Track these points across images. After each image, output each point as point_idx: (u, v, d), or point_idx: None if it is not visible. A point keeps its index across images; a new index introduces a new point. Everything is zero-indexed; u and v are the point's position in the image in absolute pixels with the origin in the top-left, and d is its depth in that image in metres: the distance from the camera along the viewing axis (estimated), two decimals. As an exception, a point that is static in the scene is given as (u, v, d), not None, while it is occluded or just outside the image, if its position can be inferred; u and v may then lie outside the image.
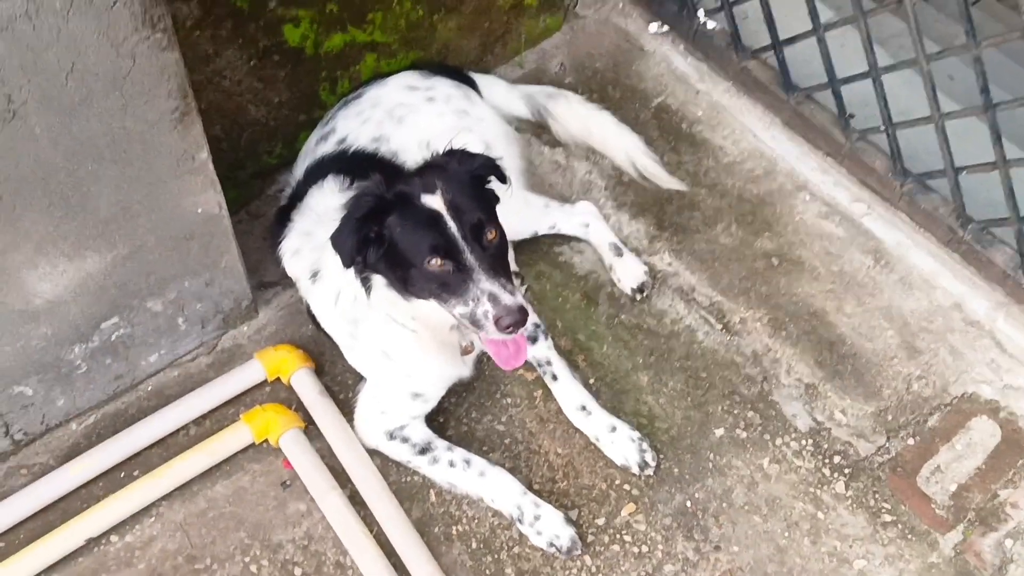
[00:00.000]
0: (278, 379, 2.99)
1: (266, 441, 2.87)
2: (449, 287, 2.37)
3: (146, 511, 2.77)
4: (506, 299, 2.33)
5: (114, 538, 2.73)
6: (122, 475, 2.84)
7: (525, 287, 3.23)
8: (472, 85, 3.43)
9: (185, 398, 2.93)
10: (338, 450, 2.85)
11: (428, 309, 2.46)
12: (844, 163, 3.41)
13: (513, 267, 3.24)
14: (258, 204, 3.37)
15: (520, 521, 2.74)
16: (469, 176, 2.45)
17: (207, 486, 2.83)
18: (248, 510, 2.80)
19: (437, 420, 2.95)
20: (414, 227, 2.35)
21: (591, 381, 3.04)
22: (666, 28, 3.82)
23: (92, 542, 2.70)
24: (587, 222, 3.32)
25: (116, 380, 2.91)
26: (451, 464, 2.79)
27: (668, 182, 3.44)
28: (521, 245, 3.28)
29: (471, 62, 3.62)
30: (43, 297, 2.51)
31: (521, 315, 2.34)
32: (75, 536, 2.67)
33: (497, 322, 2.33)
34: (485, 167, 2.50)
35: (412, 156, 3.05)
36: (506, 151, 3.23)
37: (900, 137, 3.16)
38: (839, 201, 3.41)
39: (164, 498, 2.79)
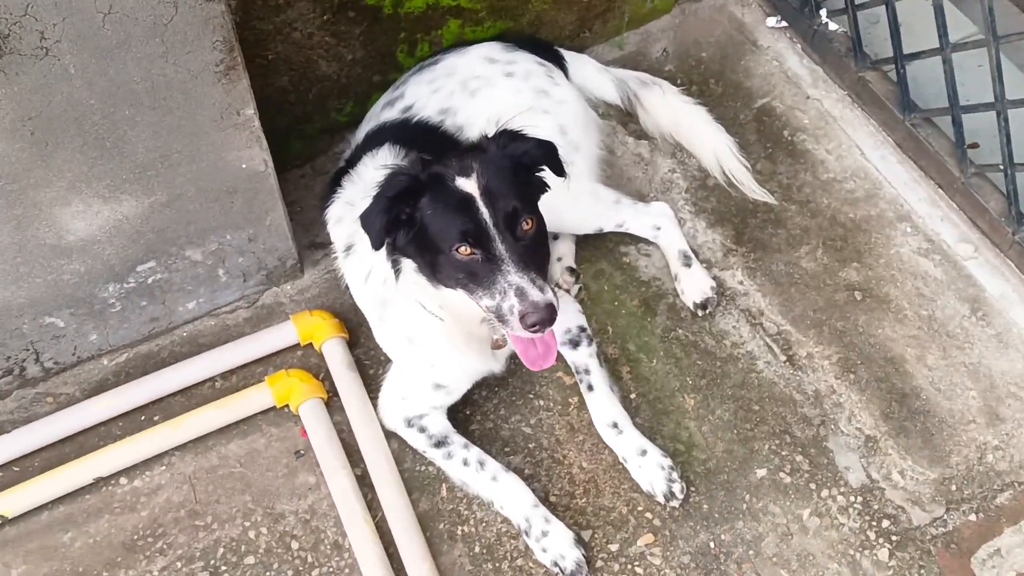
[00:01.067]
0: (311, 344, 2.95)
1: (287, 406, 2.84)
2: (477, 277, 2.26)
3: (158, 459, 2.79)
4: (534, 295, 2.21)
5: (123, 480, 2.77)
6: (142, 418, 2.86)
7: (579, 286, 3.08)
8: (560, 63, 3.27)
9: (216, 350, 2.93)
10: (356, 428, 2.79)
11: (457, 299, 2.36)
12: (956, 198, 3.10)
13: (571, 263, 3.10)
14: (324, 160, 3.32)
15: (527, 534, 2.63)
16: (511, 161, 2.32)
17: (222, 442, 2.83)
18: (257, 474, 2.78)
19: (463, 412, 2.86)
20: (444, 210, 2.24)
21: (632, 396, 2.88)
22: (784, 23, 3.55)
23: (101, 481, 2.74)
24: (659, 224, 3.13)
25: (151, 322, 2.93)
26: (465, 463, 2.69)
27: (756, 192, 3.21)
28: (585, 240, 3.14)
29: (565, 37, 3.45)
30: (76, 235, 2.52)
31: (548, 313, 2.21)
32: (85, 473, 2.71)
33: (523, 319, 2.21)
34: (531, 155, 2.36)
35: (478, 132, 2.93)
36: (583, 138, 3.08)
37: (1021, 179, 2.83)
38: (944, 239, 3.11)
39: (177, 448, 2.80)
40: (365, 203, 2.38)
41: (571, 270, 3.08)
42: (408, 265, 2.40)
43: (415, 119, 2.90)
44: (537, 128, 2.94)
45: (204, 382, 2.92)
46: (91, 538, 2.68)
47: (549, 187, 2.45)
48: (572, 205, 3.01)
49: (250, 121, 2.50)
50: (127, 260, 2.68)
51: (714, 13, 3.66)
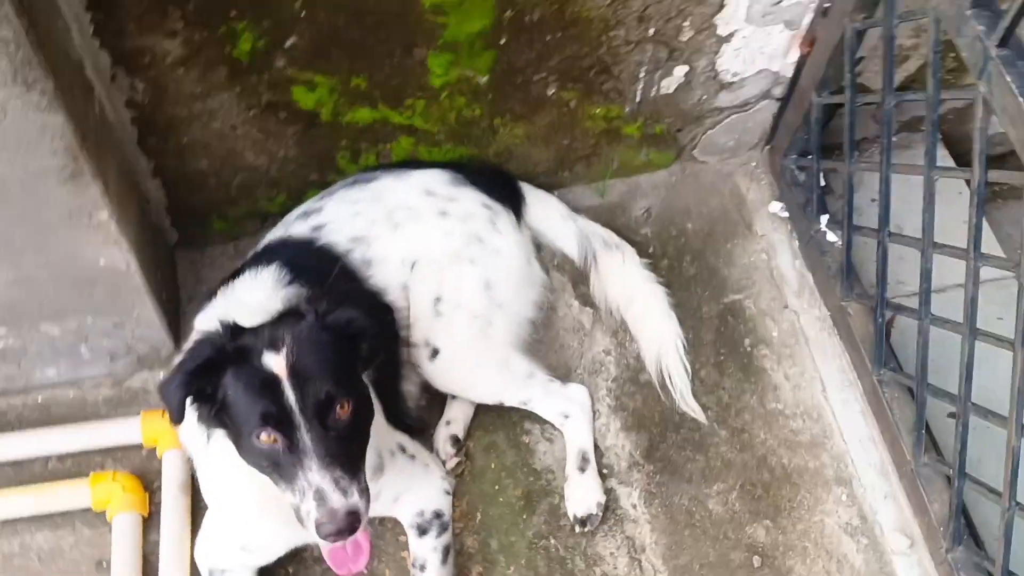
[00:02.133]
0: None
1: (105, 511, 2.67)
2: (279, 468, 2.04)
3: (-44, 534, 2.66)
4: (333, 500, 1.98)
5: (-82, 544, 2.64)
6: (-39, 482, 2.73)
7: (460, 460, 2.81)
8: (516, 202, 3.00)
9: (57, 429, 2.78)
10: (165, 557, 2.60)
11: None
12: (903, 481, 2.71)
13: (459, 432, 2.84)
14: (250, 243, 3.10)
15: None
16: (331, 333, 2.08)
17: (31, 529, 2.68)
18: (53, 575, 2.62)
19: (287, 569, 2.64)
20: (246, 390, 2.02)
21: (470, 603, 2.61)
22: (787, 214, 3.18)
23: None
24: (569, 413, 2.84)
25: (5, 379, 2.80)
26: (256, 636, 2.48)
27: (688, 404, 2.89)
28: (489, 406, 2.86)
29: (541, 173, 3.16)
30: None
31: (348, 523, 2.00)
32: None
33: (319, 528, 2.00)
34: (357, 325, 2.13)
35: (390, 272, 2.72)
36: (511, 297, 2.84)
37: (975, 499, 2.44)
38: (879, 520, 2.73)
39: (-15, 524, 2.66)
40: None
41: (456, 440, 2.82)
42: (219, 432, 2.19)
43: (320, 242, 2.68)
44: (459, 280, 2.75)
45: (38, 459, 2.77)
46: None
47: (381, 355, 2.22)
48: (475, 369, 2.78)
49: (105, 225, 2.32)
50: (-27, 322, 2.54)
51: (717, 180, 3.31)
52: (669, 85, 3.01)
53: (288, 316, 2.14)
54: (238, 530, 2.46)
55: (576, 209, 3.15)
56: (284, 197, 3.00)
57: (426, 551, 2.59)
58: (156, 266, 2.70)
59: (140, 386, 2.90)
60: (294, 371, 2.00)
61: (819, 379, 2.94)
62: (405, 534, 2.63)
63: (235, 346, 2.04)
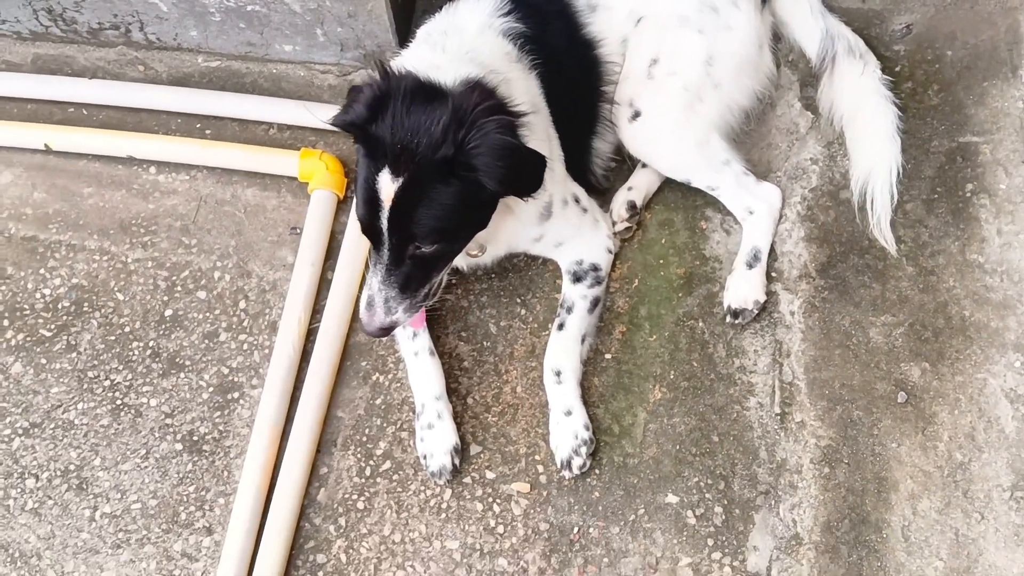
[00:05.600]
0: (364, 138, 3.07)
1: (308, 184, 3.03)
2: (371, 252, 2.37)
3: (188, 167, 3.11)
4: (377, 314, 2.34)
5: (152, 170, 3.12)
6: (198, 125, 3.17)
7: (632, 227, 2.93)
8: (770, -18, 2.95)
9: (286, 100, 3.13)
10: (348, 236, 2.94)
11: None
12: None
13: (638, 199, 2.95)
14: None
15: (418, 418, 2.73)
16: (459, 177, 2.19)
17: (243, 183, 3.09)
18: (253, 227, 3.03)
19: (450, 278, 2.91)
20: (361, 186, 2.25)
21: (607, 356, 2.82)
22: (1065, 62, 2.96)
23: (134, 160, 3.10)
24: (754, 209, 2.89)
25: (247, 45, 3.15)
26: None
27: (882, 232, 2.85)
28: (676, 183, 2.95)
29: (801, -42, 3.06)
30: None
31: (378, 333, 2.39)
32: (126, 146, 3.08)
33: (359, 320, 2.39)
34: (482, 183, 2.19)
35: (613, 22, 2.81)
36: (730, 80, 2.87)
37: None
38: (1047, 397, 2.66)
39: (208, 167, 3.09)
40: (450, 41, 2.47)
41: (632, 207, 2.93)
42: None
43: (549, -26, 2.77)
44: (675, 55, 2.77)
45: (263, 123, 3.15)
46: (103, 202, 3.09)
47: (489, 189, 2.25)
48: (672, 140, 2.86)
49: None
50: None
51: (996, 13, 3.10)
52: None
53: (431, 123, 2.15)
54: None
55: (830, 7, 3.06)
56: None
57: (576, 296, 2.79)
58: (396, -37, 2.89)
59: (362, 82, 3.16)
60: (397, 204, 2.19)
61: (1030, 245, 2.82)
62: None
63: (370, 133, 2.20)
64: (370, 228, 2.26)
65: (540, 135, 2.48)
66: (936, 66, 3.06)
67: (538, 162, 2.26)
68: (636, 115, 2.81)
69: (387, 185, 2.18)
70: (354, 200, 2.33)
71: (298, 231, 2.99)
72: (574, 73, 2.76)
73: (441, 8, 2.73)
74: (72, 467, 2.75)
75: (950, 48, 3.08)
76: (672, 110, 2.81)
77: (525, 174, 2.25)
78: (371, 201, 2.21)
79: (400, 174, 2.17)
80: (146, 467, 2.74)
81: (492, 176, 2.16)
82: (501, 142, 2.14)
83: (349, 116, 2.24)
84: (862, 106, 2.94)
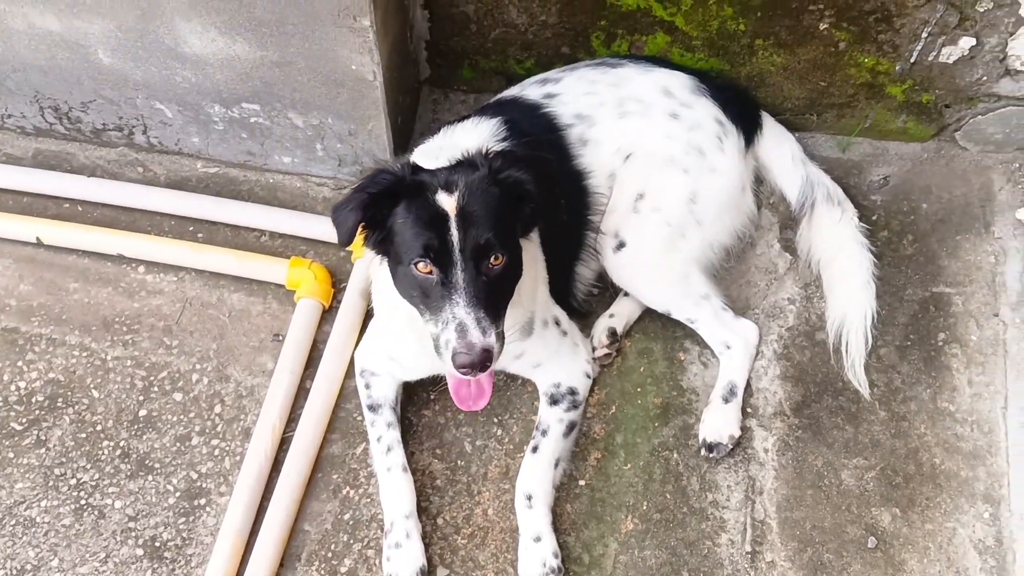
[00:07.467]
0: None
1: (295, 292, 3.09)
2: (428, 299, 2.30)
3: (176, 269, 3.16)
4: (473, 336, 2.23)
5: (141, 268, 3.18)
6: (191, 228, 3.24)
7: (612, 353, 3.00)
8: (750, 129, 3.10)
9: (281, 210, 3.22)
10: (331, 347, 2.98)
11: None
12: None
13: (619, 326, 3.02)
14: (487, 97, 3.39)
15: (386, 536, 2.72)
16: (501, 188, 2.29)
17: (230, 287, 3.15)
18: (235, 332, 3.08)
19: (427, 393, 2.96)
20: (415, 221, 2.27)
21: (581, 482, 2.84)
22: (1033, 225, 3.10)
23: (123, 259, 3.16)
24: (732, 344, 2.96)
25: (247, 154, 3.25)
26: (378, 439, 2.81)
27: (856, 376, 2.92)
28: (656, 313, 3.02)
29: (787, 111, 3.24)
30: (191, 49, 2.85)
31: (482, 358, 2.23)
32: (116, 244, 3.14)
33: (455, 356, 2.24)
34: (524, 188, 2.32)
35: (602, 157, 2.92)
36: (711, 218, 2.97)
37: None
38: (1015, 549, 2.69)
39: (196, 270, 3.15)
40: (437, 163, 2.46)
41: (613, 333, 3.00)
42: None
43: (545, 110, 2.90)
44: (663, 189, 2.89)
45: (256, 230, 3.23)
46: (88, 298, 3.13)
47: (540, 222, 2.42)
48: (654, 273, 2.94)
49: (365, 31, 2.65)
50: (234, 93, 2.98)
51: (970, 171, 3.26)
52: (950, 55, 2.98)
53: (463, 165, 2.34)
54: (390, 343, 2.78)
55: (811, 156, 3.22)
56: (532, 63, 3.24)
57: (552, 419, 2.82)
58: (400, 90, 3.03)
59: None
60: (462, 213, 2.23)
61: (1004, 395, 2.90)
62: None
63: (413, 180, 2.28)
64: (439, 251, 2.24)
65: (530, 256, 2.56)
66: (912, 217, 3.19)
67: (559, 192, 2.45)
68: (621, 245, 2.90)
69: (447, 199, 2.24)
70: (400, 247, 2.28)
71: (280, 338, 3.04)
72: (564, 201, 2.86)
73: (439, 131, 2.85)
74: (28, 567, 2.71)
75: (925, 201, 3.22)
76: (655, 244, 2.91)
77: (551, 184, 2.39)
78: (433, 221, 2.23)
79: (453, 191, 2.24)
80: (104, 571, 2.71)
81: (528, 181, 2.30)
82: (529, 157, 2.37)
83: (392, 169, 2.31)
84: (839, 251, 3.05)
